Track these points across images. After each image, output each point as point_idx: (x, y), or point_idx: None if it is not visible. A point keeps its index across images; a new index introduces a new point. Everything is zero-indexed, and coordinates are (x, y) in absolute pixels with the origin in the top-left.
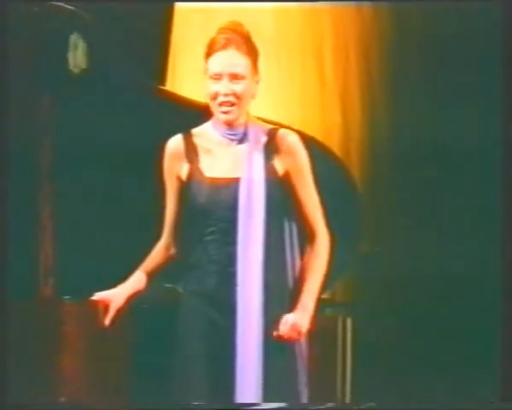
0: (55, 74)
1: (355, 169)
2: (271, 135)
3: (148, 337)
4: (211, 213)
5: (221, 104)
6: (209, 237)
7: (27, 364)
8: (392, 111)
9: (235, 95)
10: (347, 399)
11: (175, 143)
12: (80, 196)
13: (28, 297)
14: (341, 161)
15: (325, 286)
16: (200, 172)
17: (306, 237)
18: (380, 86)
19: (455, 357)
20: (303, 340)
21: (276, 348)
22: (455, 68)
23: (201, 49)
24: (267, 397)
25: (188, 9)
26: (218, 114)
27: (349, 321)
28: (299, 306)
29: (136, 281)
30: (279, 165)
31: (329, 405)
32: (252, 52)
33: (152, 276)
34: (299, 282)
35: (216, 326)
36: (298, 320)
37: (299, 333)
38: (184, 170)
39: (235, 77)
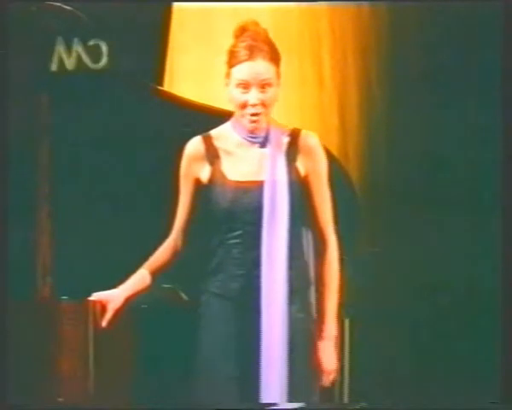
0: (55, 74)
1: (353, 171)
2: (293, 136)
3: (149, 338)
4: (235, 216)
5: (251, 114)
6: (233, 241)
7: (26, 364)
8: (391, 112)
9: (263, 104)
10: (345, 399)
11: (194, 145)
12: (79, 196)
13: (26, 297)
14: (339, 162)
15: None
16: (223, 175)
17: (317, 242)
18: (378, 87)
19: (454, 357)
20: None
21: (300, 349)
22: (454, 69)
23: (200, 50)
24: (291, 397)
25: (185, 9)
26: (247, 123)
27: (347, 322)
28: (326, 335)
29: (139, 279)
30: (301, 166)
31: (326, 405)
32: (276, 57)
33: (156, 275)
34: (319, 299)
35: (240, 329)
36: (332, 362)
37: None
38: (205, 172)
39: (263, 86)
